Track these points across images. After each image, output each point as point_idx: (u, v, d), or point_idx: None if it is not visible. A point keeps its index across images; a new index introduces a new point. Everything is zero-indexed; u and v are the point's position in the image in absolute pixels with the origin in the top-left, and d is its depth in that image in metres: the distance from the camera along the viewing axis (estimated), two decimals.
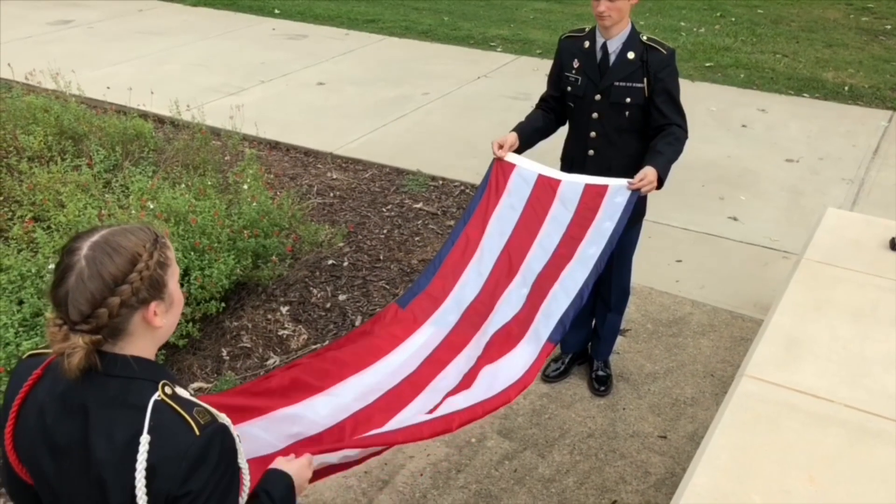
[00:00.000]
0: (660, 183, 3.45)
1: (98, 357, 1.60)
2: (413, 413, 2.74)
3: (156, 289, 1.64)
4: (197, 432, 1.60)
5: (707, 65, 9.61)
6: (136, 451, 1.56)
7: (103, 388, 1.62)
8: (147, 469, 1.56)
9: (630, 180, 3.39)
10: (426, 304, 3.18)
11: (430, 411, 2.71)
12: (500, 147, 3.65)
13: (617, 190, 3.39)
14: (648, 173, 3.40)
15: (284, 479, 1.99)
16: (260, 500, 1.88)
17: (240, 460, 1.72)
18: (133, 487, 1.56)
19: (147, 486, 1.56)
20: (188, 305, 4.39)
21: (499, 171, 3.60)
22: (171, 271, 1.70)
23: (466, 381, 2.88)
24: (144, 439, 1.56)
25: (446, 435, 2.70)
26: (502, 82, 9.06)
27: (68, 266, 1.58)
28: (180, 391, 1.68)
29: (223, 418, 1.69)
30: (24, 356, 1.82)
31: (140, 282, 1.61)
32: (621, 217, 3.31)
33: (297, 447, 2.49)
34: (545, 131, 3.85)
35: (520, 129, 3.76)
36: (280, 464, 2.05)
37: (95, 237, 1.62)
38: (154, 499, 1.57)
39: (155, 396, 1.62)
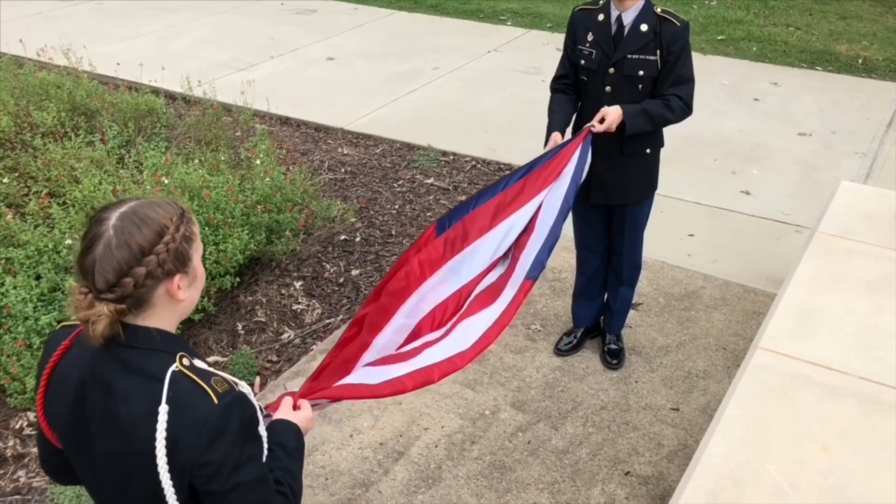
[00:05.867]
0: (624, 128, 3.54)
1: (121, 328, 1.62)
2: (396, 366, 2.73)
3: (181, 262, 1.67)
4: (215, 401, 1.62)
5: (719, 38, 9.56)
6: (156, 422, 1.59)
7: (125, 359, 1.65)
8: (167, 440, 1.59)
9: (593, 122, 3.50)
10: (457, 238, 3.17)
11: (406, 356, 2.69)
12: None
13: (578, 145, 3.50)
14: (611, 112, 3.49)
15: (292, 428, 2.00)
16: (275, 453, 1.89)
17: (260, 429, 1.74)
18: (153, 459, 1.59)
19: (168, 456, 1.59)
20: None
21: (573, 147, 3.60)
22: (196, 246, 1.73)
23: (447, 332, 2.88)
24: (163, 409, 1.59)
25: (432, 380, 2.63)
26: (512, 56, 9.03)
27: (96, 235, 1.61)
28: (198, 362, 1.70)
29: (242, 386, 1.71)
30: (57, 327, 1.85)
31: (166, 253, 1.63)
32: (581, 156, 3.43)
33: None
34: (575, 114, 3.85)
35: (559, 127, 3.71)
36: (284, 413, 2.04)
37: (124, 208, 1.64)
38: (176, 469, 1.60)
39: (173, 367, 1.64)
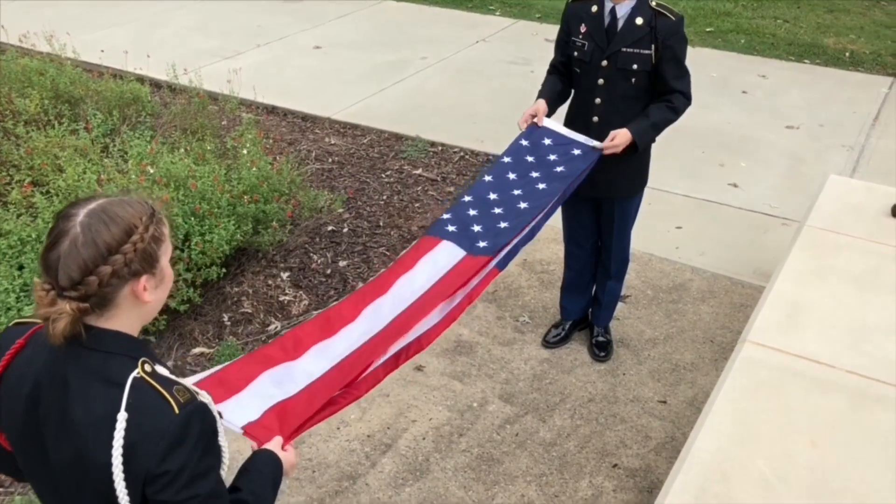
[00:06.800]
0: (636, 147, 3.61)
1: (83, 329, 1.60)
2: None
3: (148, 262, 1.64)
4: (176, 410, 1.59)
5: (707, 30, 9.57)
6: (114, 429, 1.56)
7: (84, 362, 1.61)
8: (125, 447, 1.56)
9: (602, 144, 3.60)
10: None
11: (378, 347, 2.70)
12: (533, 117, 3.74)
13: (582, 146, 3.64)
14: (619, 135, 3.57)
15: (275, 460, 1.99)
16: (251, 475, 1.89)
17: (220, 439, 1.72)
18: (110, 465, 1.56)
19: (124, 464, 1.56)
20: (189, 271, 4.40)
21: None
22: (165, 247, 1.70)
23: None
24: (122, 417, 1.56)
25: (398, 365, 2.71)
26: (501, 47, 9.02)
27: (62, 231, 1.58)
28: (160, 369, 1.66)
29: (204, 396, 1.68)
30: (10, 324, 1.82)
31: (133, 253, 1.60)
32: (575, 166, 3.55)
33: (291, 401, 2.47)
34: (564, 95, 3.90)
35: (545, 95, 3.80)
36: (272, 447, 2.04)
37: (92, 205, 1.62)
38: (131, 477, 1.57)
39: (134, 373, 1.60)
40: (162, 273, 1.69)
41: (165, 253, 1.70)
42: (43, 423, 1.64)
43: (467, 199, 3.41)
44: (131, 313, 1.66)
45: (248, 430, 2.17)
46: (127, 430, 1.56)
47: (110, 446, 1.55)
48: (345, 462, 3.72)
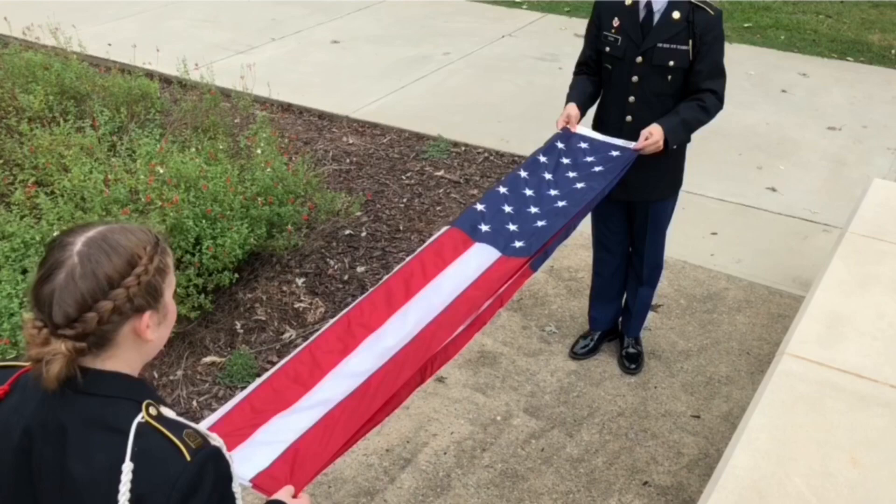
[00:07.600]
0: (666, 145, 3.59)
1: (79, 371, 1.52)
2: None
3: (152, 297, 1.57)
4: (188, 458, 1.51)
5: (745, 25, 9.58)
6: (118, 482, 1.47)
7: (81, 408, 1.53)
8: (131, 501, 1.47)
9: (636, 143, 3.61)
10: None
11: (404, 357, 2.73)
12: (567, 123, 3.77)
13: (620, 147, 3.67)
14: (654, 132, 3.56)
15: None
16: None
17: (234, 486, 1.64)
18: None
19: None
20: (200, 276, 4.46)
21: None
22: (169, 280, 1.64)
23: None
24: (127, 467, 1.47)
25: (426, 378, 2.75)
26: (528, 42, 9.06)
27: (58, 261, 1.50)
28: (166, 411, 1.59)
29: (215, 439, 1.61)
30: None
31: (137, 286, 1.53)
32: (614, 165, 3.58)
33: (320, 425, 2.48)
34: (595, 97, 3.93)
35: (576, 99, 3.83)
36: (284, 496, 2.00)
37: (91, 232, 1.55)
38: None
39: (138, 418, 1.53)
40: (165, 308, 1.63)
41: (169, 286, 1.64)
42: (37, 478, 1.56)
43: (502, 190, 3.46)
44: (131, 353, 1.60)
45: (257, 483, 2.18)
46: (134, 481, 1.48)
47: (115, 501, 1.47)
48: (362, 477, 3.76)
